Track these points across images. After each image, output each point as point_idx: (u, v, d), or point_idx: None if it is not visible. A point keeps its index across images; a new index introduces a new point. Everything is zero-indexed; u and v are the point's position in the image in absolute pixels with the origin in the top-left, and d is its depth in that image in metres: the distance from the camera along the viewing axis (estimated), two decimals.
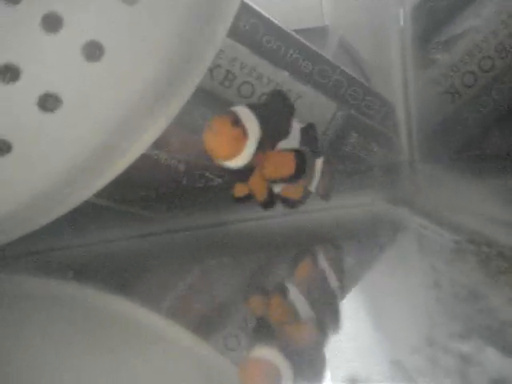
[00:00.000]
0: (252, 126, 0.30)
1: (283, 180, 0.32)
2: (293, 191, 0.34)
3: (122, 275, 0.33)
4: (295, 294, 0.28)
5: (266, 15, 0.41)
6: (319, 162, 0.36)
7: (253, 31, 0.40)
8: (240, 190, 0.33)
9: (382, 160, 0.41)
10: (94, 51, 0.26)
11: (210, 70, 0.38)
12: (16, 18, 0.25)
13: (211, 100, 0.39)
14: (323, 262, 0.30)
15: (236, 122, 0.29)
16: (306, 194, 0.35)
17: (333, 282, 0.28)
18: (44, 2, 0.25)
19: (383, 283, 0.31)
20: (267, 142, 0.31)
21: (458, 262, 0.30)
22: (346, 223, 0.39)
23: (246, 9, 0.39)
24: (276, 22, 0.41)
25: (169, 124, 0.30)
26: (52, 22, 0.25)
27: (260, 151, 0.31)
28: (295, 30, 0.42)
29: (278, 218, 0.38)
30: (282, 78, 0.41)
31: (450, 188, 0.39)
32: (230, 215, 0.38)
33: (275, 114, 0.32)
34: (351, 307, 0.29)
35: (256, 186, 0.32)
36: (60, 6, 0.25)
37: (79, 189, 0.29)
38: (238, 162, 0.30)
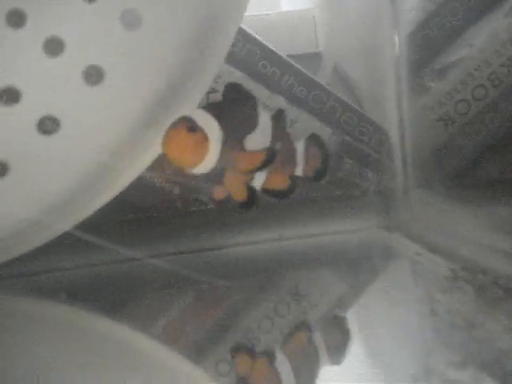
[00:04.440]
0: (211, 126, 0.29)
1: (259, 167, 0.31)
2: (278, 181, 0.33)
3: (115, 298, 0.33)
4: (282, 363, 0.27)
5: (262, 41, 0.41)
6: (300, 145, 0.34)
7: (249, 57, 0.41)
8: (219, 191, 0.32)
9: (377, 186, 0.41)
10: (94, 75, 0.26)
11: (207, 95, 0.38)
12: (19, 41, 0.25)
13: None
14: (318, 339, 0.29)
15: (192, 127, 0.28)
16: (293, 181, 0.34)
17: (323, 361, 0.27)
18: (47, 26, 0.25)
19: (378, 310, 0.31)
20: (233, 139, 0.30)
21: (454, 290, 0.30)
22: (341, 249, 0.39)
23: (242, 34, 0.40)
24: (272, 47, 0.41)
25: None
26: (54, 46, 0.25)
27: (227, 150, 0.29)
28: (289, 56, 0.43)
29: (272, 242, 0.38)
30: (278, 103, 0.41)
31: (445, 215, 0.39)
32: (223, 239, 0.38)
33: (234, 108, 0.31)
34: None
35: (232, 185, 0.31)
36: (63, 30, 0.25)
37: (76, 210, 0.29)
38: (206, 166, 0.29)
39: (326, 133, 0.42)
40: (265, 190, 0.33)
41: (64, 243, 0.31)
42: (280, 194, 0.33)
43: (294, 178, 0.34)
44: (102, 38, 0.26)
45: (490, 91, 0.42)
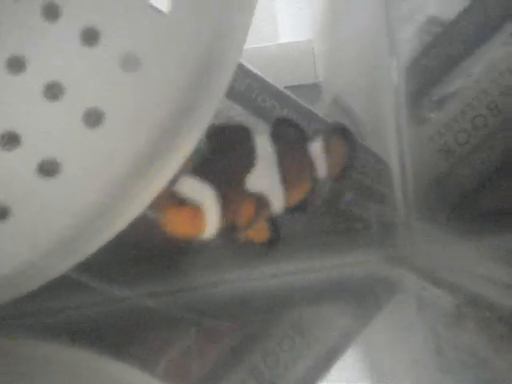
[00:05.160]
0: (201, 192, 0.27)
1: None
2: (298, 194, 0.30)
3: (117, 338, 0.33)
4: None
5: (260, 75, 0.41)
6: (317, 147, 0.31)
7: (248, 91, 0.41)
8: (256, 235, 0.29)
9: (378, 218, 0.41)
10: (94, 117, 0.26)
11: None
12: (18, 87, 0.26)
13: None
14: None
15: (181, 200, 0.27)
16: (312, 191, 0.31)
17: None
18: (46, 72, 0.25)
19: (382, 345, 0.31)
20: (231, 190, 0.28)
21: (459, 325, 0.29)
22: (344, 282, 0.39)
23: (240, 69, 0.40)
24: (270, 81, 0.42)
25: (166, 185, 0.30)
26: (54, 91, 0.26)
27: (228, 202, 0.27)
28: (288, 87, 0.43)
29: (278, 278, 0.38)
30: None
31: (448, 247, 0.39)
32: (227, 275, 0.38)
33: (219, 158, 0.28)
34: (348, 367, 0.29)
35: (250, 231, 0.29)
36: (62, 75, 0.25)
37: (76, 251, 0.29)
38: (212, 229, 0.27)
39: None
40: (288, 210, 0.30)
41: (63, 284, 0.30)
42: (303, 206, 0.31)
43: (315, 182, 0.31)
44: (101, 81, 0.26)
45: (489, 120, 0.42)
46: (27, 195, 0.26)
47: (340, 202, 0.42)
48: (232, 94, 0.40)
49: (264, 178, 0.29)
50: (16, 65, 0.26)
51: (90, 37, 0.26)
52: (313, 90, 0.50)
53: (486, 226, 0.40)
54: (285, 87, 0.42)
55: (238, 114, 0.40)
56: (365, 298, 0.37)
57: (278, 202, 0.30)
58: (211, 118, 0.33)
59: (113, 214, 0.29)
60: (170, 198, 0.27)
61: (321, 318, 0.36)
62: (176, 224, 0.27)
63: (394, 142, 0.42)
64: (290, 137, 0.30)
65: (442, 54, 0.44)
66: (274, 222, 0.30)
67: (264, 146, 0.30)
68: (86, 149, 0.27)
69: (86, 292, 0.33)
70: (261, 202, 0.29)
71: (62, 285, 0.30)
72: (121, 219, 0.29)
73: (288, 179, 0.30)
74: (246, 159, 0.29)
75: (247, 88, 0.41)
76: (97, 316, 0.35)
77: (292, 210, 0.31)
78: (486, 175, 0.42)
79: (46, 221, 0.27)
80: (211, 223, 0.27)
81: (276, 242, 0.30)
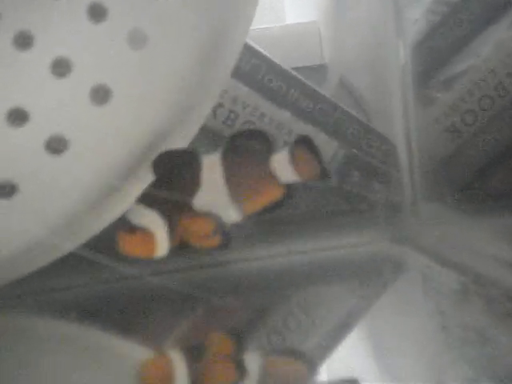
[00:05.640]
0: (149, 218, 0.28)
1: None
2: (258, 201, 0.31)
3: (125, 314, 0.33)
4: None
5: (267, 55, 0.41)
6: (280, 158, 0.31)
7: (254, 71, 0.41)
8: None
9: (385, 198, 0.41)
10: (101, 94, 0.26)
11: (213, 110, 0.38)
12: (26, 63, 0.26)
13: (214, 138, 0.39)
14: None
15: (131, 227, 0.28)
16: (285, 194, 0.31)
17: None
18: (54, 47, 0.25)
19: (387, 323, 0.31)
20: (179, 213, 0.29)
21: (465, 303, 0.30)
22: (350, 262, 0.39)
23: (247, 49, 0.40)
24: (277, 61, 0.41)
25: None
26: (61, 68, 0.26)
27: (177, 225, 0.29)
28: (294, 68, 0.43)
29: (281, 257, 0.38)
30: (284, 118, 0.41)
31: (454, 227, 0.39)
32: (235, 254, 0.38)
33: (165, 183, 0.29)
34: (354, 345, 0.29)
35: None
36: (69, 51, 0.25)
37: (82, 229, 0.29)
38: (163, 250, 0.30)
39: (332, 146, 0.42)
40: (258, 214, 0.31)
41: (72, 261, 0.31)
42: (275, 207, 0.31)
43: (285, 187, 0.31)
44: (108, 58, 0.26)
45: (496, 101, 0.42)
46: (35, 172, 0.27)
47: (345, 183, 0.42)
48: (238, 73, 0.39)
49: (211, 197, 0.30)
50: (23, 41, 0.26)
51: (98, 13, 0.26)
52: (319, 71, 0.49)
53: (493, 206, 0.40)
54: (291, 68, 0.42)
55: (244, 95, 0.40)
56: (370, 277, 0.37)
57: (230, 216, 0.31)
58: (217, 96, 0.33)
59: (119, 192, 0.29)
60: (122, 225, 0.29)
61: (327, 297, 0.36)
62: (128, 248, 0.29)
63: (401, 122, 0.42)
64: (251, 149, 0.30)
65: (449, 34, 0.44)
66: (224, 232, 0.31)
67: (211, 165, 0.30)
68: (94, 126, 0.27)
69: (94, 269, 0.34)
70: (211, 218, 0.30)
71: (70, 262, 0.30)
72: (128, 196, 0.29)
73: (241, 192, 0.31)
74: (192, 182, 0.30)
75: (253, 68, 0.41)
76: (105, 293, 0.35)
77: (263, 212, 0.31)
78: (493, 156, 0.42)
79: (53, 198, 0.27)
80: (162, 246, 0.29)
81: (226, 245, 0.31)
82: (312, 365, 0.27)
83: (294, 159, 0.31)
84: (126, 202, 0.29)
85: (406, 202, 0.41)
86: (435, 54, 0.44)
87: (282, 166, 0.31)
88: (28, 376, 0.25)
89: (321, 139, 0.41)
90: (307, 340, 0.31)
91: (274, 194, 0.31)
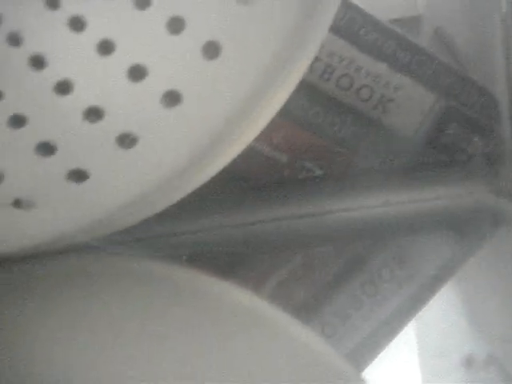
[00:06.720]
0: None
1: None
2: None
3: (225, 261, 0.35)
4: None
5: (363, 8, 0.41)
6: None
7: (350, 24, 0.41)
8: None
9: (483, 150, 0.41)
10: (212, 49, 0.27)
11: (310, 64, 0.39)
12: (145, 21, 0.27)
13: (310, 92, 0.40)
14: None
15: None
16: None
17: None
18: (171, 5, 0.27)
19: (482, 279, 0.31)
20: None
21: None
22: (446, 214, 0.39)
23: (342, 2, 0.40)
24: (372, 14, 0.41)
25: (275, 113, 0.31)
26: (175, 24, 0.27)
27: None
28: (389, 20, 0.42)
29: (378, 208, 0.39)
30: (381, 70, 0.41)
31: None
32: (330, 205, 0.39)
33: None
34: (446, 299, 0.30)
35: None
36: (183, 9, 0.27)
37: (189, 179, 0.31)
38: None
39: (430, 98, 0.41)
40: None
41: (182, 209, 0.32)
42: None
43: None
44: (220, 12, 0.27)
45: None
46: (152, 123, 0.28)
47: (444, 135, 0.41)
48: (334, 27, 0.40)
49: None
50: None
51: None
52: (413, 22, 0.49)
53: None
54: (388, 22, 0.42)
55: (341, 48, 0.40)
56: (468, 230, 0.37)
57: None
58: (317, 51, 0.33)
59: (224, 143, 0.30)
60: None
61: (422, 248, 0.36)
62: None
63: (502, 73, 0.41)
64: None
65: None
66: None
67: None
68: (205, 80, 0.28)
69: (200, 218, 0.36)
70: None
71: (183, 210, 0.32)
72: (231, 149, 0.31)
73: None
74: None
75: (349, 21, 0.41)
76: (209, 240, 0.37)
77: None
78: None
79: (167, 147, 0.29)
80: None
81: None
82: None
83: None
84: (231, 151, 0.31)
85: (505, 153, 0.41)
86: None
87: None
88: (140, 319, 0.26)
89: (418, 91, 0.41)
90: (401, 292, 0.31)
91: None
